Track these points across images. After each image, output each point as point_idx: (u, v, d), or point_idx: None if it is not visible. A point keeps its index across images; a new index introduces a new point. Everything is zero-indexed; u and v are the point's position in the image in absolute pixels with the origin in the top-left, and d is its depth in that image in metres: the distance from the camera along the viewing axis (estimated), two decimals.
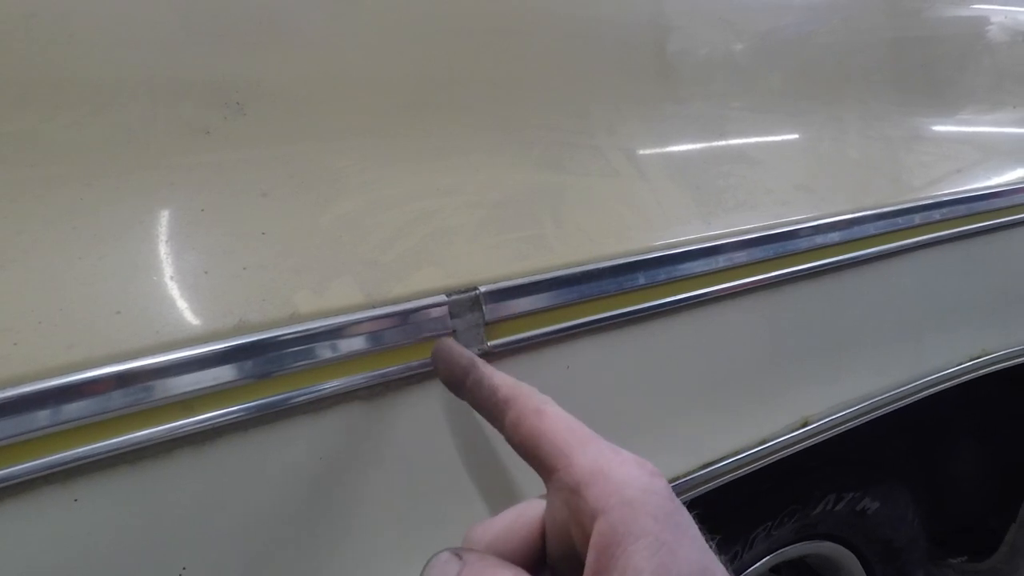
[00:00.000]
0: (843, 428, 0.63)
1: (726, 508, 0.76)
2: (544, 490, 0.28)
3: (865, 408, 0.64)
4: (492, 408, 0.31)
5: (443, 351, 0.37)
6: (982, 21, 0.81)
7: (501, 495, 0.45)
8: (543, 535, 0.28)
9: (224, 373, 0.34)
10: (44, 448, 0.31)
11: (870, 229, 0.61)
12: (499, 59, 0.48)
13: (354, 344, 0.38)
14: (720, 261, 0.52)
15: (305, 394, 0.37)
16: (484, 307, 0.41)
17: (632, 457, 0.25)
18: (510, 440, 0.29)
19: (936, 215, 0.66)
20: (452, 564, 0.26)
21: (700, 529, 0.24)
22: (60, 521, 0.32)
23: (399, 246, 0.41)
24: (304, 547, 0.38)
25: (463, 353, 0.36)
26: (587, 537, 0.23)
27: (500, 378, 0.32)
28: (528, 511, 0.28)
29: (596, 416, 0.48)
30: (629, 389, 0.50)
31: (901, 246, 0.64)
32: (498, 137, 0.47)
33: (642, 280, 0.48)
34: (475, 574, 0.25)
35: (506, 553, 0.27)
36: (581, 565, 0.24)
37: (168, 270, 0.35)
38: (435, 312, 0.40)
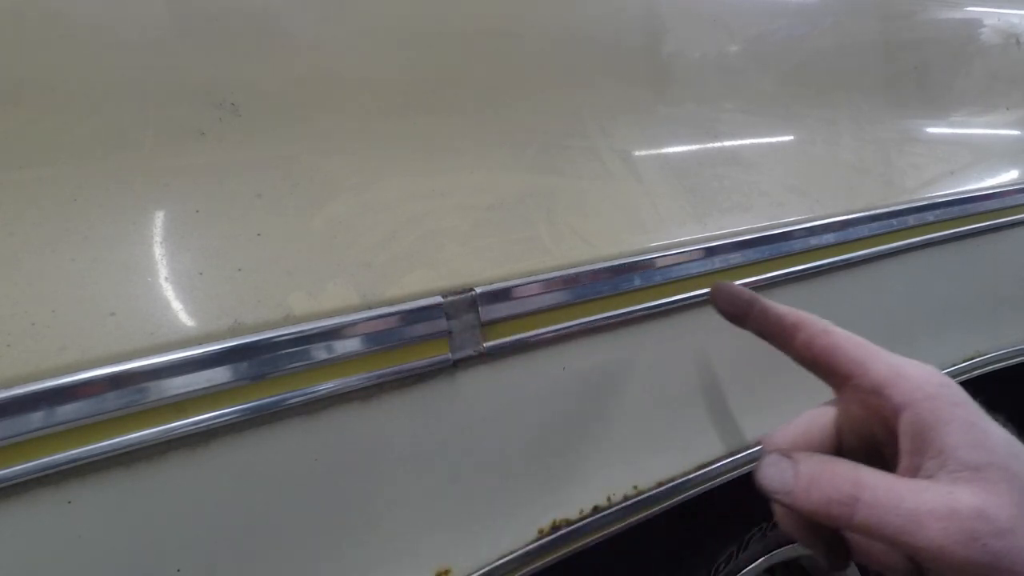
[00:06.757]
0: None
1: (721, 509, 0.76)
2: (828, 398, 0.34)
3: None
4: (781, 332, 0.34)
5: (724, 289, 0.40)
6: (974, 24, 0.82)
7: (493, 497, 0.45)
8: (835, 433, 0.33)
9: (218, 375, 0.34)
10: (38, 450, 0.31)
11: (863, 231, 0.61)
12: (493, 61, 0.48)
13: (349, 346, 0.38)
14: (715, 262, 0.52)
15: (300, 396, 0.37)
16: (480, 308, 0.42)
17: (920, 363, 0.30)
18: (801, 358, 0.34)
19: (929, 217, 0.67)
20: (784, 462, 0.29)
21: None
22: (55, 523, 0.32)
23: (393, 248, 0.41)
24: (298, 548, 0.38)
25: (744, 290, 0.39)
26: (889, 429, 0.29)
27: (784, 308, 0.35)
28: (819, 416, 0.34)
29: (591, 416, 0.48)
30: (625, 390, 0.50)
31: (894, 248, 0.64)
32: (491, 139, 0.47)
33: (638, 281, 0.48)
34: (811, 468, 0.28)
35: (806, 449, 0.32)
36: (877, 452, 0.30)
37: (163, 271, 0.35)
38: (431, 313, 0.40)
